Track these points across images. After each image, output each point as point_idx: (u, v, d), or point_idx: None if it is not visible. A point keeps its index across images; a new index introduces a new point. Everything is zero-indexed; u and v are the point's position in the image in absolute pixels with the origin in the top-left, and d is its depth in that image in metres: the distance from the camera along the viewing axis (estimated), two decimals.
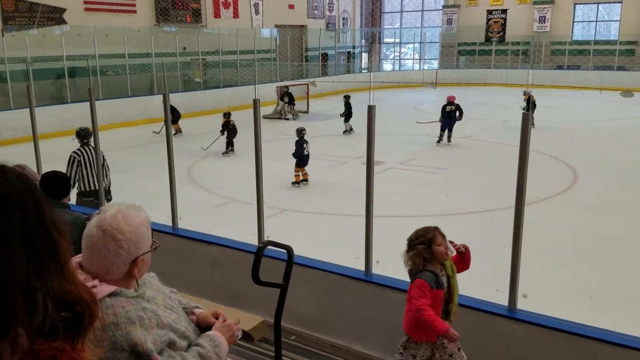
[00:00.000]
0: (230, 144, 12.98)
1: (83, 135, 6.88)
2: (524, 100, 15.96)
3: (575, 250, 7.02)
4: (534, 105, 14.75)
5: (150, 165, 11.07)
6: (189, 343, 1.74)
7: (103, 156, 6.51)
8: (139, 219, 1.69)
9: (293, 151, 10.15)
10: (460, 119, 14.03)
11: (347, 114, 15.29)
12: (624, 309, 5.36)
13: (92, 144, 6.36)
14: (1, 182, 0.85)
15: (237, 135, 12.84)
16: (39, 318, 0.82)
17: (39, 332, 0.82)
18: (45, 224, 0.88)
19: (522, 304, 3.54)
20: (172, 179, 5.12)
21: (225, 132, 12.92)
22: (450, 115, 13.91)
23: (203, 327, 1.89)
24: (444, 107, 14.00)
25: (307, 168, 10.26)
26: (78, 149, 6.82)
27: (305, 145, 10.15)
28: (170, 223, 5.09)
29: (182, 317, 1.79)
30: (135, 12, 20.09)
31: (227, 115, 13.35)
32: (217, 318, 1.90)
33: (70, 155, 6.72)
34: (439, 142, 13.93)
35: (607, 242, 7.29)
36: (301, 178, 10.23)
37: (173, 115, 14.04)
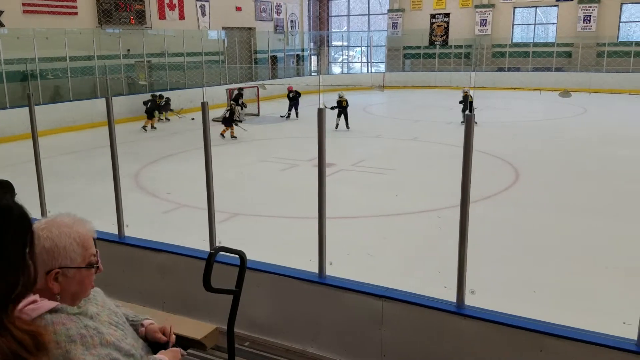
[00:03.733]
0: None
1: None
2: (462, 97, 17.57)
3: (519, 246, 7.27)
4: (471, 105, 16.34)
5: (95, 171, 10.73)
6: None
7: None
8: (68, 229, 1.58)
9: None
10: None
11: None
12: (566, 303, 5.59)
13: None
14: None
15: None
16: None
17: None
18: None
19: (470, 300, 3.63)
20: (117, 185, 4.97)
21: None
22: (294, 99, 19.45)
23: (151, 341, 1.84)
24: (288, 95, 19.48)
25: None
26: None
27: None
28: (116, 231, 4.95)
29: (128, 334, 1.73)
30: (76, 14, 19.45)
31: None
32: (164, 334, 1.86)
33: None
34: (288, 117, 19.31)
35: (549, 238, 7.59)
36: None
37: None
